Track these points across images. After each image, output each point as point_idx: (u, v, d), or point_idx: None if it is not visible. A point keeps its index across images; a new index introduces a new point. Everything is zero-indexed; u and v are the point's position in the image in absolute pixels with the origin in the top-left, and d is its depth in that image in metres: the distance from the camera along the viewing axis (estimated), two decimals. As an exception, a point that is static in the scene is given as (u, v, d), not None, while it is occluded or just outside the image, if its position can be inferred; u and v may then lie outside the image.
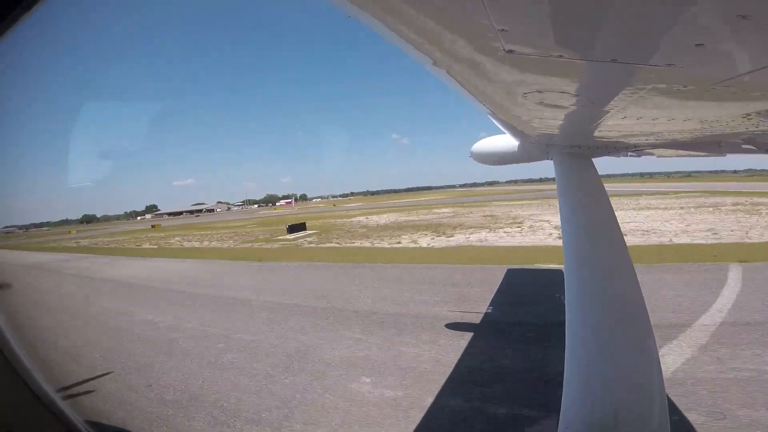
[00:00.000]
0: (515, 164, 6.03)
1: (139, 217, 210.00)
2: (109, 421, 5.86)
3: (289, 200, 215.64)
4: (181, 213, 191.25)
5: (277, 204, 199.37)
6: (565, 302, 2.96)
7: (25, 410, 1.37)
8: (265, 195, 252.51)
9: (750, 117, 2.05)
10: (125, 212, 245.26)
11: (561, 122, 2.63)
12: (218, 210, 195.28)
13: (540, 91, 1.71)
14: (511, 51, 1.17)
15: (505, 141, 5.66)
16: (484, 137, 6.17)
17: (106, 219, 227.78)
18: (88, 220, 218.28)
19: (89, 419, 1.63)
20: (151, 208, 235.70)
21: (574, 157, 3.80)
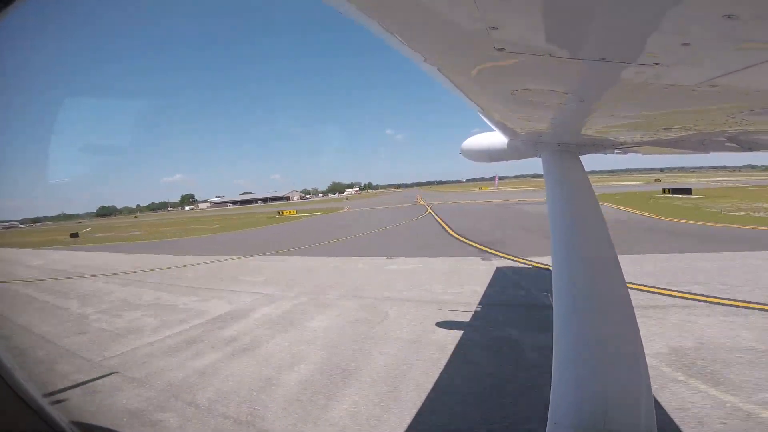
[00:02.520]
0: (513, 160, 6.08)
1: (188, 207, 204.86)
2: (96, 421, 5.79)
3: (356, 189, 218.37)
4: (255, 201, 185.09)
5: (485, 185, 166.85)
6: (553, 300, 2.99)
7: (9, 412, 1.35)
8: (331, 183, 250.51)
9: (734, 116, 2.09)
10: (137, 205, 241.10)
11: (550, 120, 2.65)
12: (295, 198, 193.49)
13: (529, 90, 1.72)
14: (501, 49, 1.18)
15: (494, 138, 5.69)
16: (479, 132, 6.18)
17: (130, 211, 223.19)
18: (106, 213, 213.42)
19: (75, 420, 1.60)
20: (187, 198, 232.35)
21: (562, 155, 3.84)
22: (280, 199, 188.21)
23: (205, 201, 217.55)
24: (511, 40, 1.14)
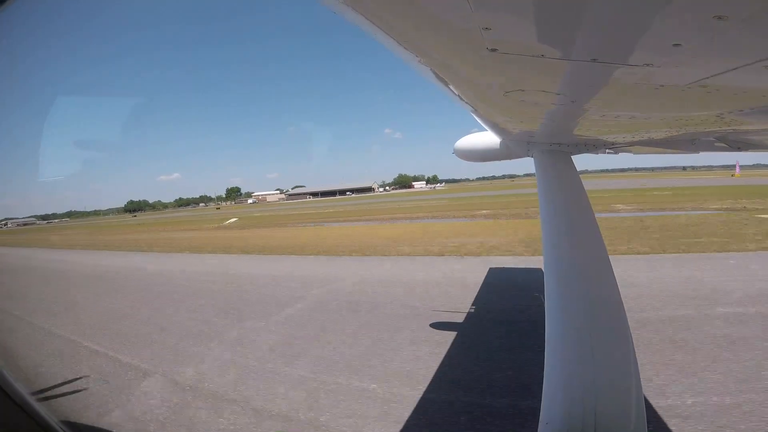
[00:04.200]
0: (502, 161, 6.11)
1: (250, 200, 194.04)
2: (85, 420, 5.74)
3: (423, 182, 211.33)
4: (344, 192, 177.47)
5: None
6: (545, 300, 3.00)
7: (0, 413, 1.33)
8: (398, 175, 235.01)
9: (723, 116, 2.12)
10: (157, 200, 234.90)
11: (541, 120, 2.67)
12: (380, 190, 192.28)
13: (522, 90, 1.73)
14: (494, 50, 1.18)
15: (487, 138, 5.72)
16: (476, 132, 6.22)
17: (163, 206, 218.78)
18: (135, 208, 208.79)
19: (65, 419, 1.59)
20: (234, 191, 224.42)
21: (554, 155, 3.86)
22: (368, 190, 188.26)
23: (236, 197, 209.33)
24: (503, 41, 1.15)
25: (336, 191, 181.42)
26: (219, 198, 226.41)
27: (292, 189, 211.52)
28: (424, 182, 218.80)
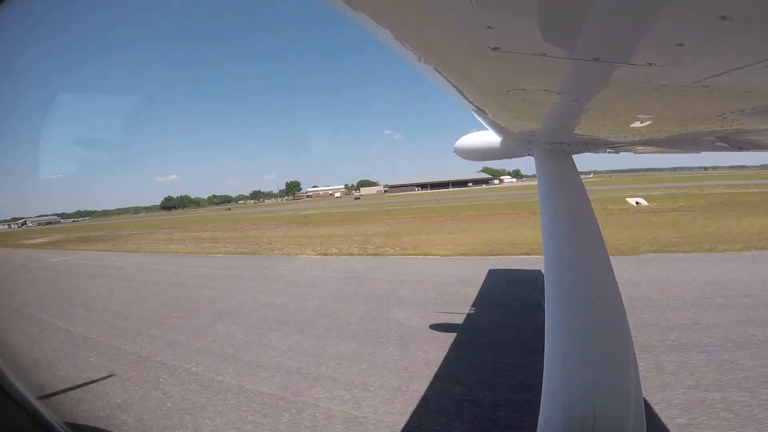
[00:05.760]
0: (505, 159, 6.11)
1: (338, 194, 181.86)
2: (88, 422, 5.75)
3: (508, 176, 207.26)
4: (453, 184, 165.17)
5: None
6: (545, 301, 3.00)
7: (1, 412, 1.33)
8: (482, 168, 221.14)
9: (725, 116, 2.11)
10: (152, 200, 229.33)
11: (543, 119, 2.66)
12: (507, 181, 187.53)
13: (523, 89, 1.72)
14: (496, 48, 1.18)
15: (487, 137, 5.72)
16: (477, 131, 6.20)
17: (199, 204, 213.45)
18: (172, 205, 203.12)
19: (68, 421, 1.59)
20: (295, 186, 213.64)
21: (555, 154, 3.86)
22: (485, 182, 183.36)
23: (296, 192, 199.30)
24: (506, 40, 1.14)
25: (449, 182, 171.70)
26: (281, 193, 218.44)
27: (359, 184, 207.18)
28: (510, 176, 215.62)
